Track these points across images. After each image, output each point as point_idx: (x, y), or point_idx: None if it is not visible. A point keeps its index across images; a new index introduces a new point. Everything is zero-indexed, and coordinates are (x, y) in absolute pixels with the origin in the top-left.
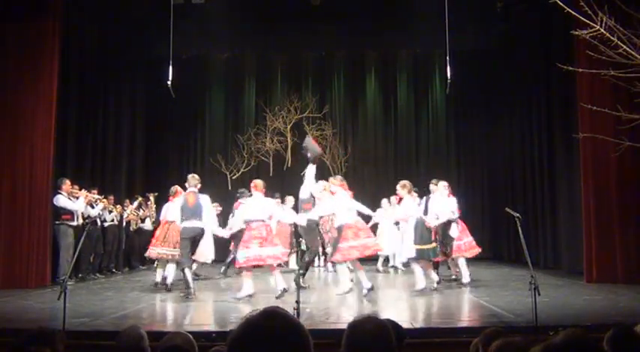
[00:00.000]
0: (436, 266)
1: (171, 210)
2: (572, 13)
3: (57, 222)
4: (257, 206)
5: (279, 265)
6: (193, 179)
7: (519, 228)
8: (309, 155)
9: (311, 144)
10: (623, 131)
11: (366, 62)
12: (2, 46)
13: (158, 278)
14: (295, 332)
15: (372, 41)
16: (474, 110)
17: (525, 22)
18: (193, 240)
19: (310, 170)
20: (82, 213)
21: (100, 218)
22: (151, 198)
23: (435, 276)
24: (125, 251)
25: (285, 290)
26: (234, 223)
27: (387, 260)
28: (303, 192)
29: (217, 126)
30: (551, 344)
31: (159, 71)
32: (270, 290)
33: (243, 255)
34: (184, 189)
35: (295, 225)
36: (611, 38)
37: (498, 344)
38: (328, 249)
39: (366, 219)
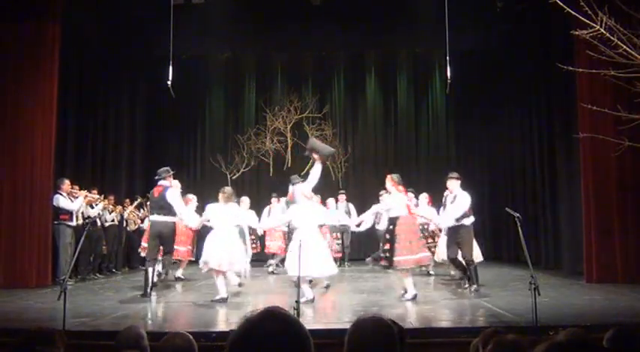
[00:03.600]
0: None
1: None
2: (572, 13)
3: (55, 222)
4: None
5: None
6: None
7: (519, 228)
8: (316, 156)
9: (319, 145)
10: (623, 131)
11: (366, 62)
12: (2, 47)
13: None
14: (295, 332)
15: (372, 41)
16: (474, 110)
17: (525, 22)
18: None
19: (318, 169)
20: (82, 213)
21: (100, 218)
22: None
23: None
24: (125, 251)
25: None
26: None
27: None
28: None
29: (217, 126)
30: (556, 342)
31: (159, 71)
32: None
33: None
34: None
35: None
36: (611, 38)
37: (492, 345)
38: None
39: None
